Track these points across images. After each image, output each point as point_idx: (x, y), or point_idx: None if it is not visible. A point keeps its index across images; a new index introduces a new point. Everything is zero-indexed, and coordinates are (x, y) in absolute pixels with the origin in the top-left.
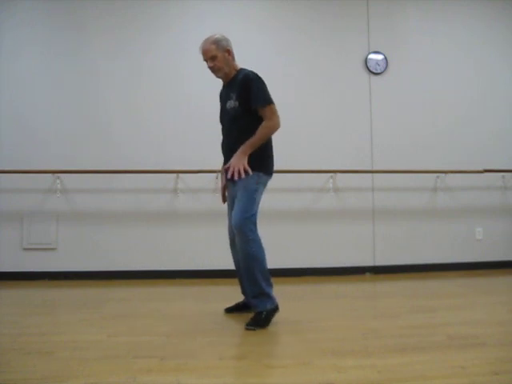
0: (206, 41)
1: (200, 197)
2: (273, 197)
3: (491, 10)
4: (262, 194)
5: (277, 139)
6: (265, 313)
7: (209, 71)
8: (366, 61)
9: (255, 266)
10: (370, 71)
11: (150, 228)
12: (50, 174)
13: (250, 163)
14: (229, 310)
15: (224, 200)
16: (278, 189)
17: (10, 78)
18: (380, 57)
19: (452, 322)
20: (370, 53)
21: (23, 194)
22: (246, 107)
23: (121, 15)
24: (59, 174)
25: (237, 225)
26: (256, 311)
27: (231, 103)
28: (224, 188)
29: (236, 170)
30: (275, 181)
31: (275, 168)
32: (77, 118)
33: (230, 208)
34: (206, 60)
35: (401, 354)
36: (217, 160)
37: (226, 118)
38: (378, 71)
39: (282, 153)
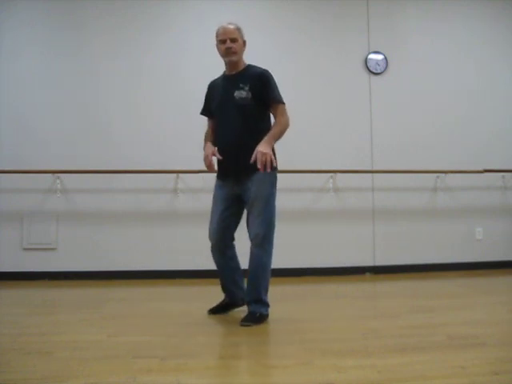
0: (229, 24)
1: (200, 197)
2: None
3: (491, 10)
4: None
5: None
6: (259, 314)
7: (209, 70)
8: (366, 61)
9: (262, 276)
10: (370, 71)
11: (150, 228)
12: (50, 174)
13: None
14: (213, 311)
15: (211, 167)
16: (278, 189)
17: (10, 78)
18: (380, 57)
19: (452, 322)
20: (370, 53)
21: (23, 194)
22: (259, 100)
23: (121, 15)
24: (59, 174)
25: (260, 238)
26: (250, 311)
27: (242, 93)
28: (210, 156)
29: (268, 159)
30: None
31: None
32: (77, 118)
33: (220, 208)
34: (223, 40)
35: (401, 354)
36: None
37: (229, 106)
38: (378, 71)
39: (282, 153)
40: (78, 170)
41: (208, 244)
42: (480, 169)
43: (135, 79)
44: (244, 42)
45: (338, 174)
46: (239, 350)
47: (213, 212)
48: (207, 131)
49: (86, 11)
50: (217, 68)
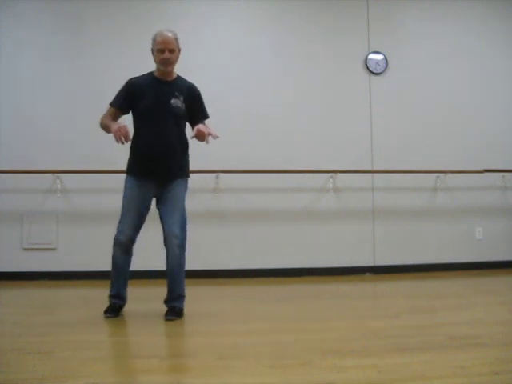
0: (169, 32)
1: (200, 197)
2: (273, 197)
3: (491, 11)
4: None
5: (277, 139)
6: (180, 308)
7: (209, 70)
8: (365, 61)
9: (182, 274)
10: (370, 71)
11: (150, 228)
12: (50, 174)
13: (184, 169)
14: (112, 313)
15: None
16: (278, 189)
17: (10, 79)
18: (380, 57)
19: (452, 321)
20: (369, 53)
21: (23, 194)
22: (189, 113)
23: (121, 16)
24: (59, 174)
25: (180, 239)
26: (173, 306)
27: (177, 102)
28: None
29: (209, 131)
30: (275, 181)
31: (276, 168)
32: (77, 118)
33: (138, 207)
34: (162, 50)
35: (401, 354)
36: (217, 160)
37: (164, 111)
38: (378, 71)
39: (282, 153)
40: (78, 170)
41: (208, 244)
42: (480, 169)
43: None
44: (179, 51)
45: (338, 174)
46: (239, 350)
47: (129, 210)
48: (107, 118)
49: (87, 12)
50: (217, 68)
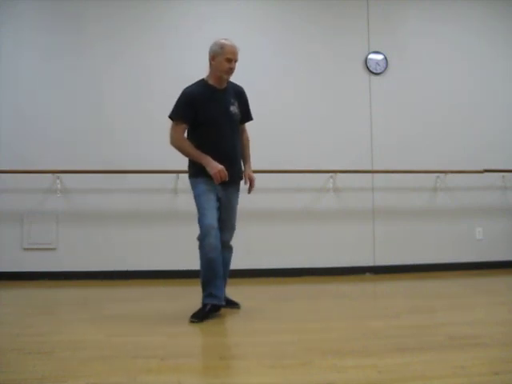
0: (233, 42)
1: None
2: (273, 197)
3: (491, 11)
4: None
5: (277, 139)
6: None
7: (208, 72)
8: (365, 61)
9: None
10: (370, 71)
11: (150, 228)
12: (50, 174)
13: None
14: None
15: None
16: (278, 189)
17: (10, 79)
18: (380, 57)
19: (452, 321)
20: (369, 53)
21: (23, 194)
22: (241, 116)
23: (122, 16)
24: (59, 174)
25: (230, 242)
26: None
27: (235, 109)
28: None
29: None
30: (275, 181)
31: (276, 168)
32: (77, 118)
33: (215, 204)
34: (231, 59)
35: (401, 354)
36: None
37: (228, 120)
38: (378, 71)
39: (282, 153)
40: (78, 170)
41: None
42: (480, 169)
43: (135, 80)
44: None
45: (338, 174)
46: (239, 350)
47: (209, 208)
48: (185, 139)
49: (87, 12)
50: None
